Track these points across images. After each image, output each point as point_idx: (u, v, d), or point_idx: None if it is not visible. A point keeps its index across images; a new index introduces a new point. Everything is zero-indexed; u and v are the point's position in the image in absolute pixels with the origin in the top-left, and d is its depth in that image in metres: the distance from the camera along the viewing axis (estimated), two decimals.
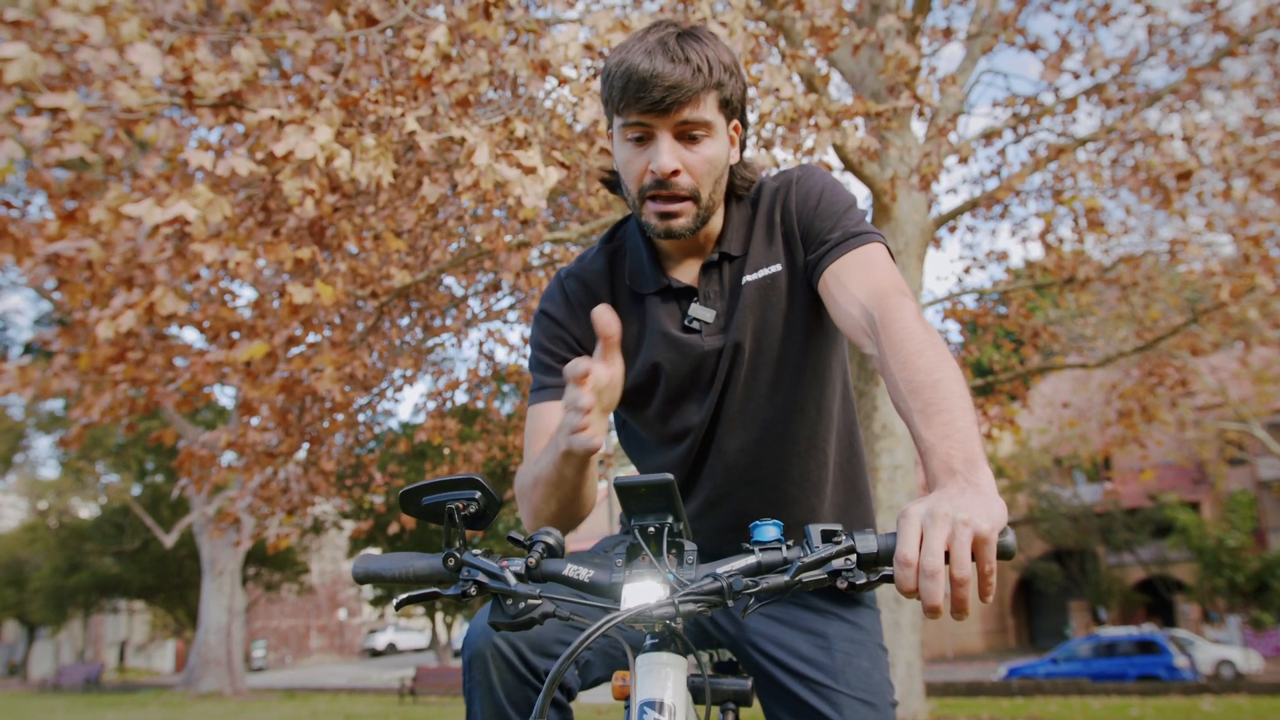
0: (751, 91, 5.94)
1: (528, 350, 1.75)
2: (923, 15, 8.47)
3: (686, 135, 1.51)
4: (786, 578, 1.09)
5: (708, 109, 1.51)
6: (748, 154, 1.76)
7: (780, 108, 5.60)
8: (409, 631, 51.06)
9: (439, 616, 35.32)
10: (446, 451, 10.55)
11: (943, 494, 1.06)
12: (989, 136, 9.41)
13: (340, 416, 8.30)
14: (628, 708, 1.25)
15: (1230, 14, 8.64)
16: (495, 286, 10.23)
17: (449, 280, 9.93)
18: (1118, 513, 33.91)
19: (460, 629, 41.13)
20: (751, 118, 6.17)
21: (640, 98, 1.46)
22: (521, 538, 1.24)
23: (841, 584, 1.08)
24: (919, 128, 9.33)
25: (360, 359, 7.82)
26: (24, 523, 41.87)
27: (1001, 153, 9.91)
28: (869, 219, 1.81)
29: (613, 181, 1.69)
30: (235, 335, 6.71)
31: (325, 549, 42.66)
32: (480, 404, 10.90)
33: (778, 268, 1.65)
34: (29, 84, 4.32)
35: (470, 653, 1.57)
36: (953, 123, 7.83)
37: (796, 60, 6.07)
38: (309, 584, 39.62)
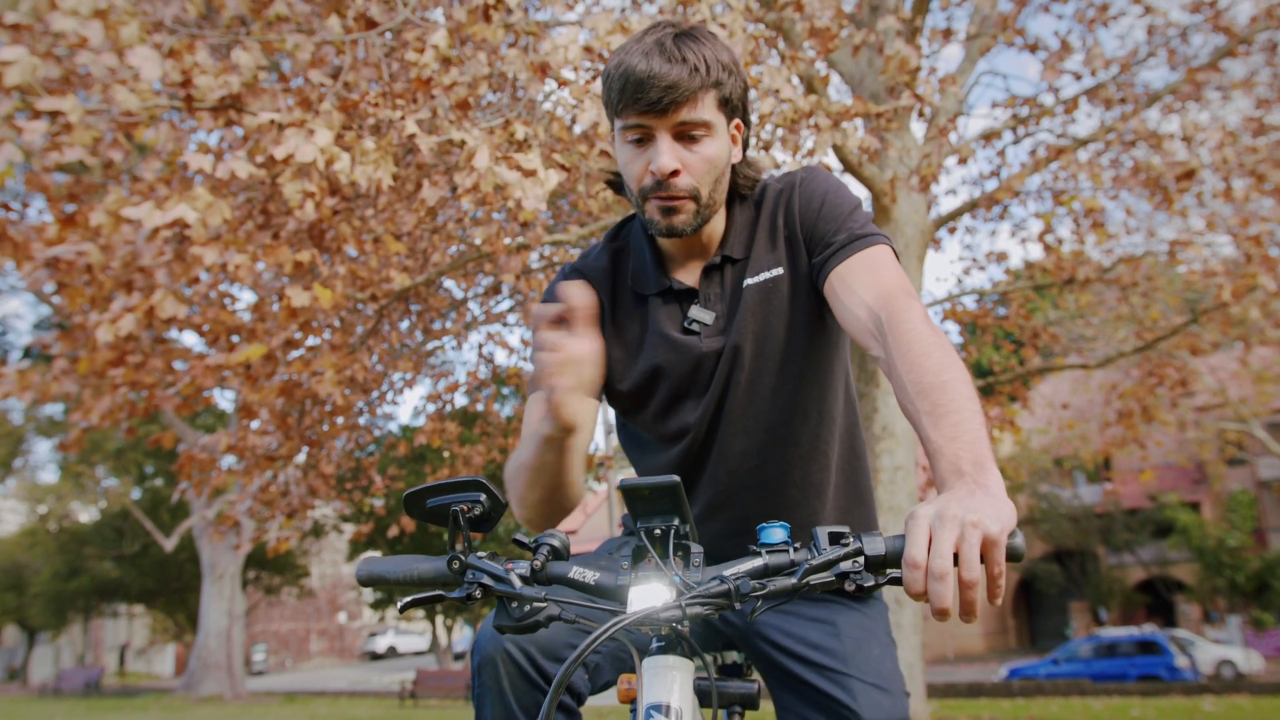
0: (751, 93, 5.93)
1: (528, 353, 1.75)
2: (922, 16, 8.47)
3: (686, 135, 1.51)
4: (794, 580, 1.09)
5: (706, 108, 1.51)
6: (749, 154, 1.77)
7: (780, 109, 5.60)
8: (409, 635, 51.04)
9: (439, 620, 35.30)
10: (446, 454, 10.53)
11: (951, 496, 1.05)
12: (988, 137, 9.41)
13: (340, 420, 8.29)
14: (634, 711, 1.25)
15: (1230, 14, 8.65)
16: (495, 289, 10.22)
17: (449, 283, 9.92)
18: (1118, 513, 33.92)
19: (461, 633, 41.12)
20: (752, 118, 6.16)
21: (638, 99, 1.47)
22: (527, 540, 1.23)
23: (849, 586, 1.07)
24: (918, 129, 9.33)
25: (360, 362, 7.81)
26: (24, 527, 41.88)
27: (1001, 153, 9.91)
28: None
29: (617, 183, 1.69)
30: (235, 339, 6.70)
31: (325, 552, 42.67)
32: (480, 407, 10.88)
33: (779, 271, 1.64)
34: (28, 87, 4.31)
35: (480, 657, 1.57)
36: (952, 123, 7.83)
37: (796, 62, 6.07)
38: (309, 587, 39.63)
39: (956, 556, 0.99)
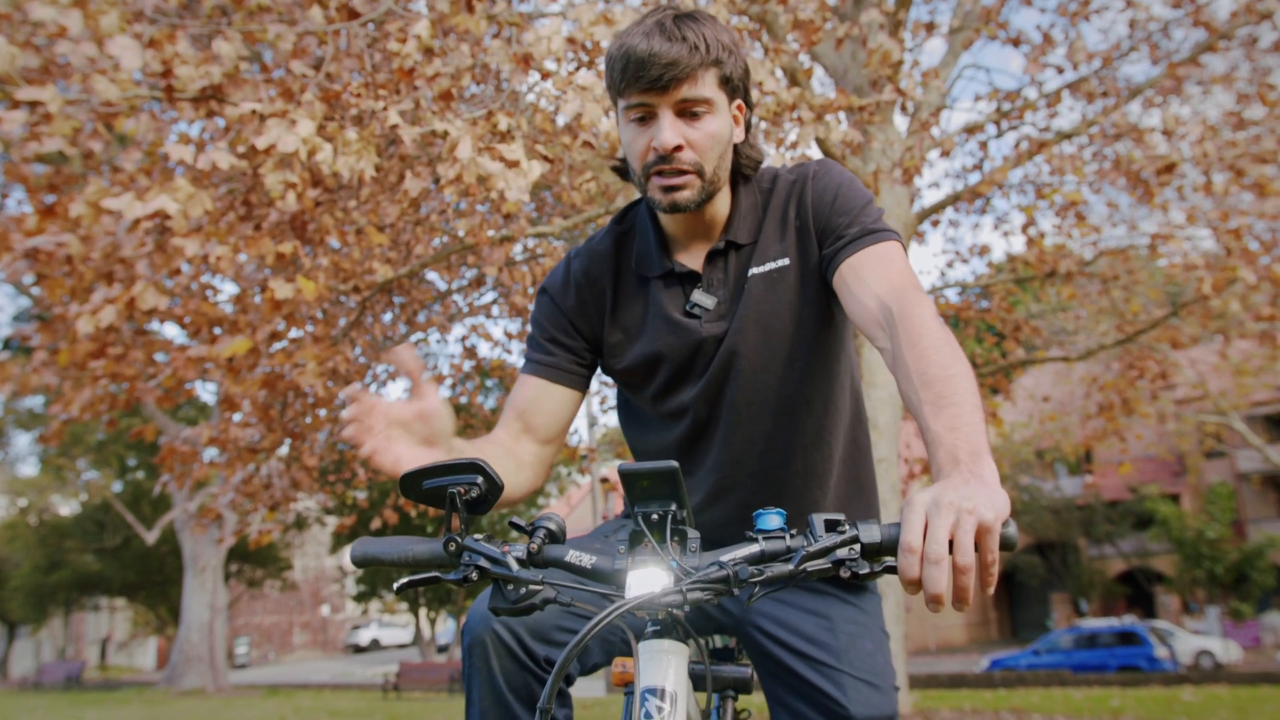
0: None
1: (511, 345, 1.77)
2: (905, 10, 8.48)
3: (688, 112, 1.53)
4: (790, 566, 1.09)
5: (707, 85, 1.52)
6: None
7: (763, 101, 5.60)
8: (392, 627, 51.00)
9: (423, 612, 35.28)
10: None
11: (947, 483, 1.06)
12: (971, 130, 9.44)
13: (323, 412, 8.26)
14: (628, 694, 1.25)
15: (1210, 9, 8.68)
16: (479, 281, 10.20)
17: (432, 275, 9.89)
18: (1099, 505, 34.17)
19: (444, 625, 41.10)
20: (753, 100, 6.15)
21: (640, 76, 1.49)
22: (523, 523, 1.23)
23: (845, 573, 1.08)
24: (902, 122, 9.35)
25: (343, 354, 7.79)
26: (3, 520, 41.55)
27: (984, 147, 9.95)
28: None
29: (623, 169, 1.71)
30: (217, 330, 6.68)
31: (308, 545, 42.57)
32: (464, 399, 10.87)
33: (786, 261, 1.66)
34: (7, 77, 4.28)
35: (470, 639, 1.57)
36: (935, 117, 7.86)
37: (779, 54, 6.07)
38: (292, 580, 39.52)
39: (951, 544, 1.00)
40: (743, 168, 1.70)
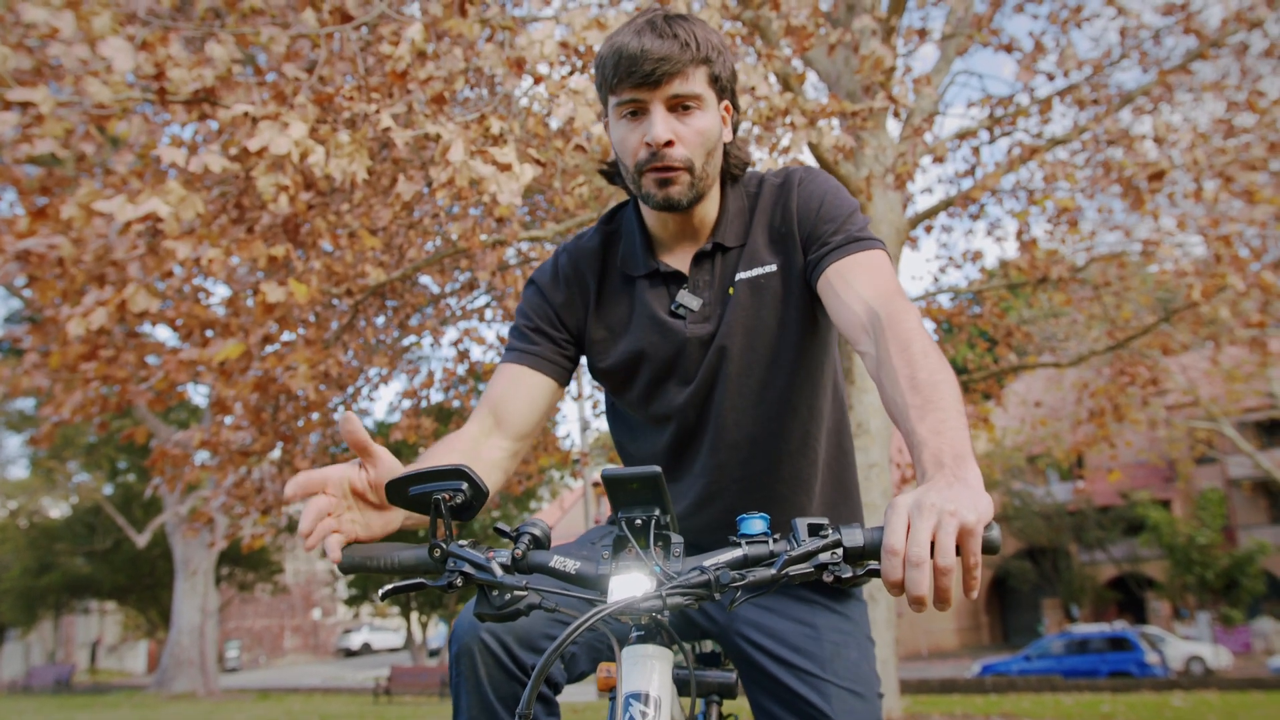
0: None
1: (504, 349, 1.78)
2: (898, 16, 8.51)
3: (679, 107, 1.55)
4: (773, 571, 1.09)
5: (697, 82, 1.54)
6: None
7: (756, 107, 5.61)
8: (384, 631, 50.85)
9: (414, 616, 35.20)
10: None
11: (930, 486, 1.06)
12: (964, 136, 9.47)
13: (315, 415, 8.24)
14: (613, 700, 1.25)
15: (1201, 17, 8.72)
16: (471, 285, 10.20)
17: (425, 279, 9.89)
18: (1090, 511, 34.25)
19: (435, 629, 41.02)
20: (741, 103, 6.16)
21: (632, 72, 1.50)
22: (508, 529, 1.24)
23: (827, 578, 1.08)
24: (894, 127, 9.39)
25: (335, 357, 7.78)
26: None
27: (976, 152, 9.97)
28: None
29: (611, 172, 1.72)
30: (209, 333, 6.66)
31: (299, 549, 42.39)
32: (457, 403, 10.86)
33: (773, 267, 1.67)
34: None
35: (457, 647, 1.57)
36: (928, 123, 7.88)
37: (772, 59, 6.08)
38: (283, 584, 39.37)
39: (934, 547, 1.00)
40: (731, 168, 1.71)
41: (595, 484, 22.07)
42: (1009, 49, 9.19)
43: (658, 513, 1.17)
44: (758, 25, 6.76)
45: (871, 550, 1.08)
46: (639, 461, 1.83)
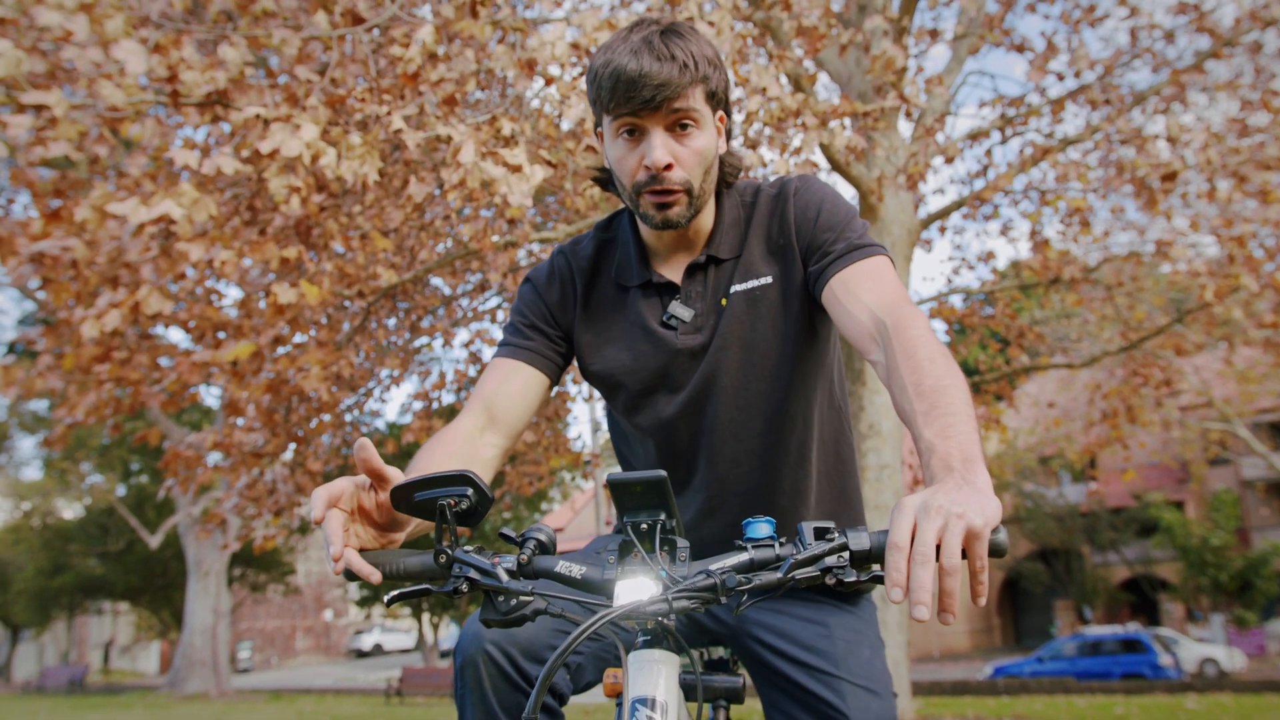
0: (739, 91, 5.95)
1: (497, 344, 1.79)
2: (909, 16, 8.49)
3: (676, 126, 1.54)
4: (779, 574, 1.09)
5: (695, 102, 1.54)
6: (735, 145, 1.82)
7: (768, 107, 5.60)
8: (395, 632, 50.96)
9: (426, 617, 35.25)
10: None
11: (939, 489, 1.06)
12: (976, 137, 9.44)
13: (327, 417, 8.26)
14: (619, 705, 1.25)
15: (1214, 16, 8.68)
16: (483, 286, 10.20)
17: (436, 280, 9.90)
18: (1103, 512, 34.10)
19: (447, 630, 41.06)
20: (739, 116, 6.18)
21: (630, 97, 1.49)
22: (513, 535, 1.23)
23: (830, 580, 1.07)
24: (906, 128, 9.37)
25: (347, 359, 7.79)
26: (7, 524, 41.62)
27: (988, 153, 9.95)
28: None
29: (604, 179, 1.72)
30: (221, 335, 6.68)
31: (311, 550, 42.50)
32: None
33: (769, 279, 1.67)
34: (13, 81, 4.30)
35: (462, 658, 1.57)
36: (939, 123, 7.86)
37: (784, 60, 6.08)
38: (295, 585, 39.48)
39: (940, 550, 0.99)
40: (725, 176, 1.71)
41: (606, 486, 22.04)
42: (1021, 49, 9.16)
43: (663, 517, 1.17)
44: (769, 26, 6.75)
45: (878, 553, 1.08)
46: (638, 467, 1.84)
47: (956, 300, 12.33)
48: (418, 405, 10.53)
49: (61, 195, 5.75)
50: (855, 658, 1.65)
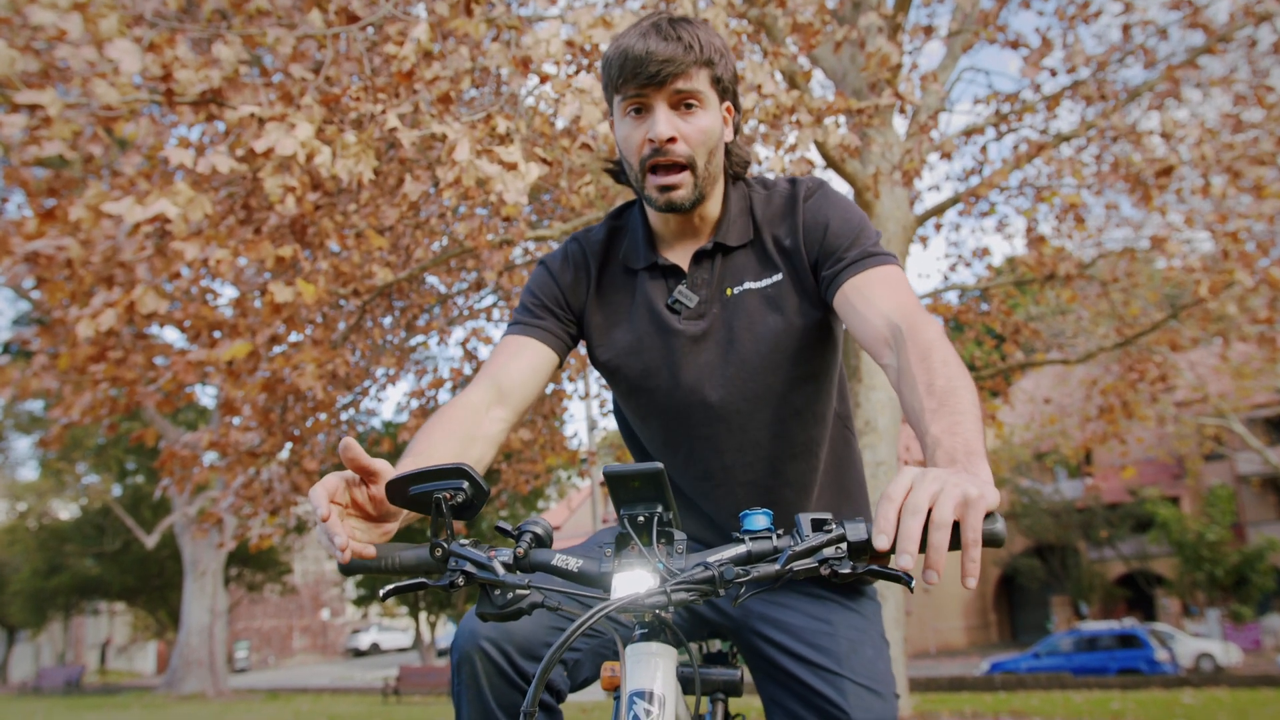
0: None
1: (508, 324, 1.80)
2: (904, 13, 8.49)
3: (682, 104, 1.59)
4: (777, 566, 1.09)
5: (700, 82, 1.58)
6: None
7: (762, 104, 5.61)
8: (392, 631, 50.92)
9: (423, 616, 35.24)
10: None
11: (940, 468, 1.07)
12: (970, 133, 9.45)
13: (323, 415, 8.25)
14: (617, 698, 1.25)
15: (1208, 12, 8.69)
16: (478, 285, 10.20)
17: (432, 278, 9.90)
18: (1098, 508, 34.15)
19: (444, 629, 41.04)
20: (742, 104, 6.16)
21: (637, 73, 1.55)
22: (509, 528, 1.23)
23: (826, 571, 1.07)
24: (901, 124, 9.36)
25: (342, 357, 7.79)
26: (3, 524, 41.55)
27: (983, 149, 9.95)
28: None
29: (617, 171, 1.75)
30: (216, 334, 6.68)
31: (308, 549, 42.49)
32: None
33: (779, 276, 1.69)
34: (6, 80, 4.29)
35: (458, 656, 1.58)
36: (934, 120, 7.87)
37: (778, 57, 6.07)
38: (292, 584, 39.46)
39: (932, 510, 1.00)
40: (733, 167, 1.75)
41: (603, 483, 22.02)
42: (1015, 45, 9.17)
43: (660, 509, 1.17)
44: (764, 23, 6.75)
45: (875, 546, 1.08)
46: (636, 448, 1.87)
47: (952, 296, 12.34)
48: (414, 404, 10.52)
49: (56, 194, 5.74)
50: (858, 657, 1.66)
